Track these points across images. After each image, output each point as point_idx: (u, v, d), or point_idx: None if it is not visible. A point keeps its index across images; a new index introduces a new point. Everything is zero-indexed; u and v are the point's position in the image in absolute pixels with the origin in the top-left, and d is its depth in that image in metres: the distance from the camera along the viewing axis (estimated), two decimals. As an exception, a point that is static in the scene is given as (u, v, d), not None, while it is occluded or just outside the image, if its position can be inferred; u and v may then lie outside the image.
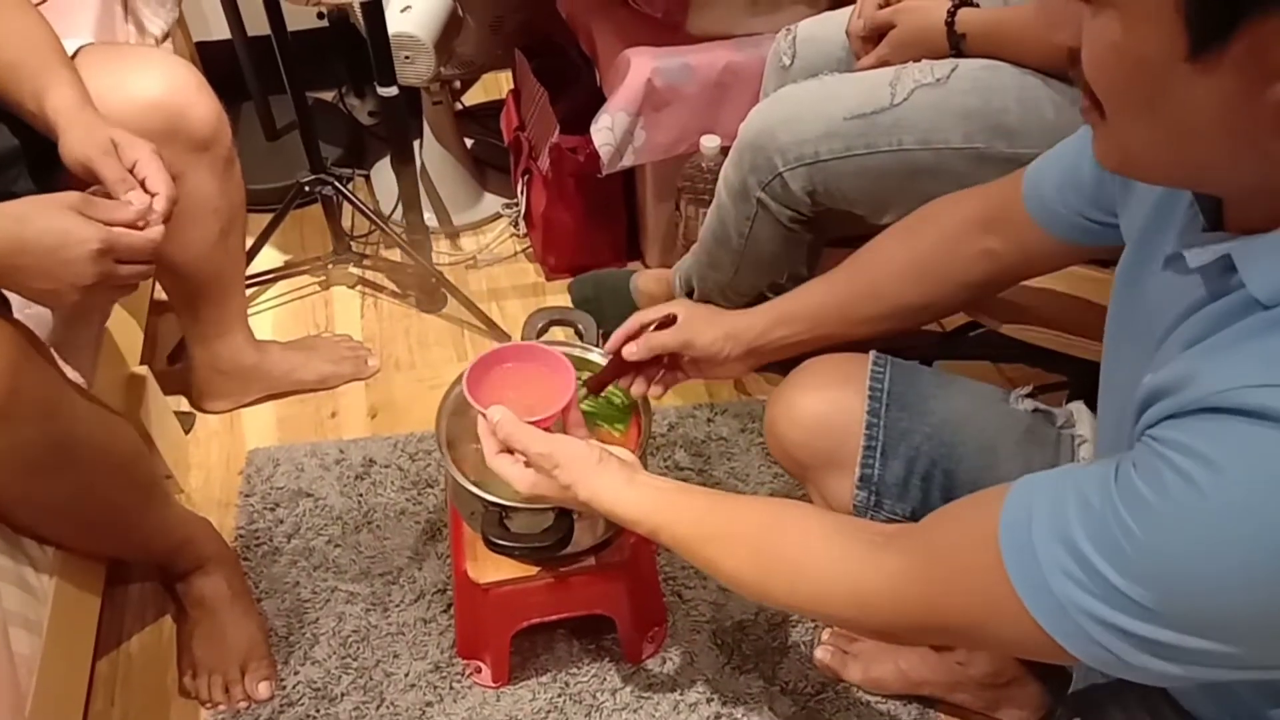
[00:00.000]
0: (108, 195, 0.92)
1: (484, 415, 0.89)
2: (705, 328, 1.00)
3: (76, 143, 0.93)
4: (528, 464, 0.86)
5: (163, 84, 1.16)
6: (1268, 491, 0.48)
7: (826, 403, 0.98)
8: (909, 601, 0.66)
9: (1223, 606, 0.50)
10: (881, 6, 1.17)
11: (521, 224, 1.84)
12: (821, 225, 1.21)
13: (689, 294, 1.40)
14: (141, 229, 0.90)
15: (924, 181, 1.07)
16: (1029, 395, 1.00)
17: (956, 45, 1.09)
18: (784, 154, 1.11)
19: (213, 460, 1.48)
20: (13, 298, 0.94)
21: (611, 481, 0.83)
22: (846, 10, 1.29)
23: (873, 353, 1.00)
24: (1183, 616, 0.51)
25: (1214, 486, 0.49)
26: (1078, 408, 0.98)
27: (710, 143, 1.44)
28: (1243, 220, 0.57)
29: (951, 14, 1.08)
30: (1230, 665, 0.53)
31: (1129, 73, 0.52)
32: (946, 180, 1.05)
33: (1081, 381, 1.18)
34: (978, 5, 1.09)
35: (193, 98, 1.18)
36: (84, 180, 0.94)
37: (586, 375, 1.10)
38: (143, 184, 0.93)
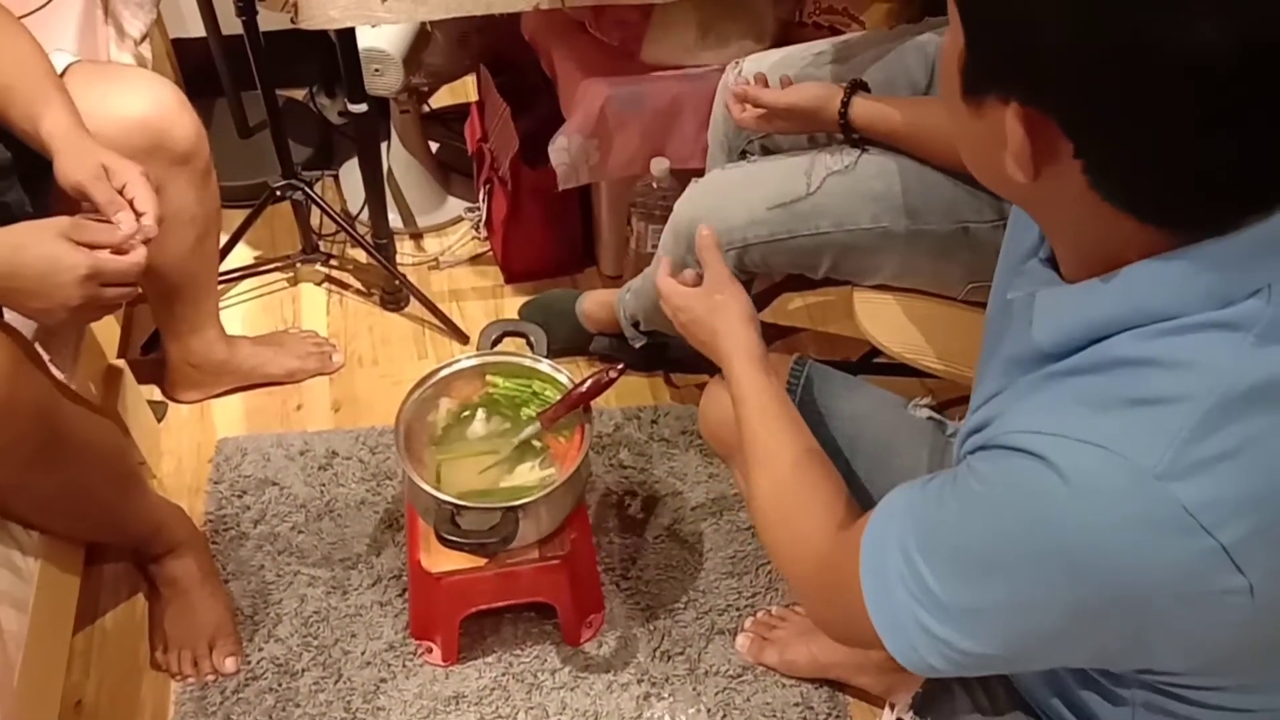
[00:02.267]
0: (99, 215, 1.01)
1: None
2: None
3: (70, 168, 1.01)
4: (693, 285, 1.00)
5: (147, 103, 1.24)
6: (1012, 503, 0.60)
7: None
8: (822, 587, 0.79)
9: (980, 595, 0.62)
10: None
11: (483, 228, 1.94)
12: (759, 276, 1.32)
13: (634, 325, 1.51)
14: (127, 251, 0.99)
15: (840, 256, 1.19)
16: (925, 405, 1.12)
17: (850, 134, 1.18)
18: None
19: (184, 448, 1.57)
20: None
21: (750, 349, 0.93)
22: (791, 47, 1.40)
23: (795, 355, 1.12)
24: (960, 607, 0.63)
25: (984, 494, 0.62)
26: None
27: (660, 165, 1.55)
28: (1065, 268, 0.67)
29: (845, 103, 1.17)
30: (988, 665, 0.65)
31: (944, 78, 0.64)
32: (860, 254, 1.17)
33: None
34: (869, 92, 1.18)
35: (175, 117, 1.26)
36: (76, 199, 1.03)
37: (538, 408, 1.23)
38: (131, 204, 1.01)
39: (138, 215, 1.00)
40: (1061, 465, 0.56)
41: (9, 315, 1.07)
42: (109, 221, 0.99)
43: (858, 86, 1.18)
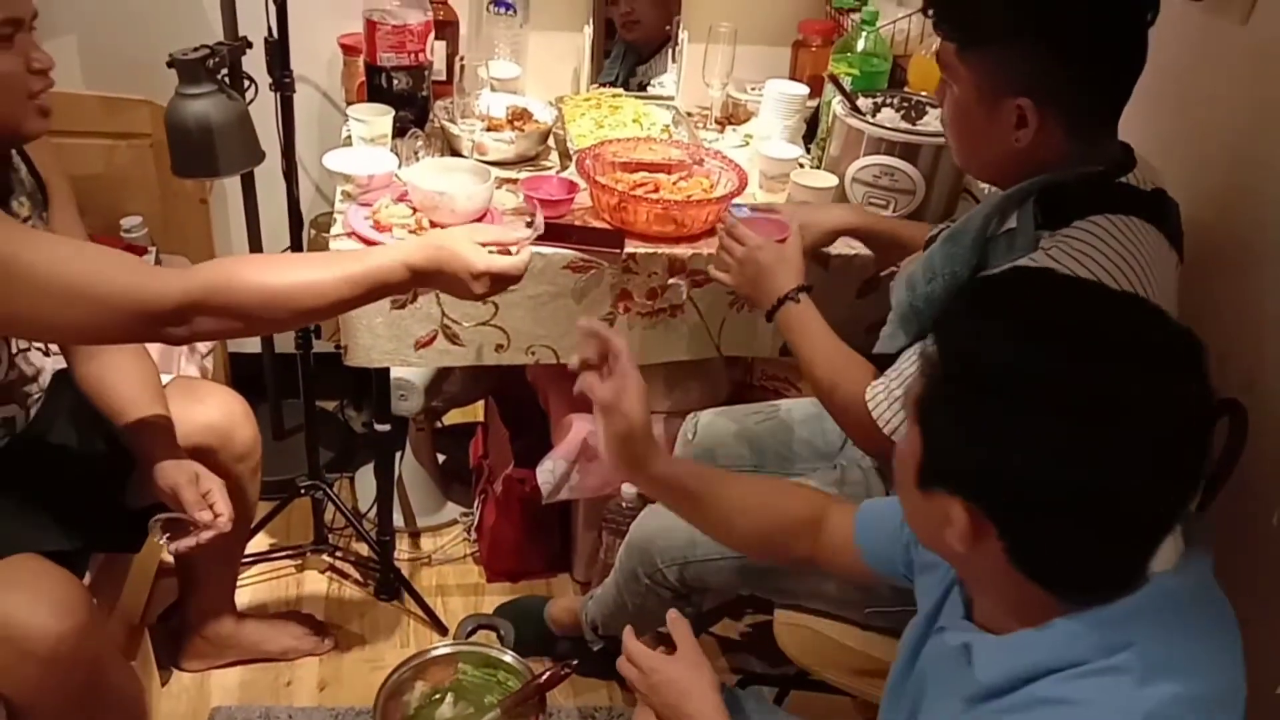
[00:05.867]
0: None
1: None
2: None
3: (169, 472, 1.30)
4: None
5: (220, 413, 1.55)
6: None
7: None
8: None
9: None
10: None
11: (473, 531, 2.19)
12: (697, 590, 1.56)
13: (594, 630, 1.73)
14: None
15: (761, 578, 1.44)
16: None
17: (770, 315, 1.40)
18: (662, 555, 1.49)
19: (181, 712, 1.74)
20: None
21: (719, 707, 1.09)
22: (741, 406, 1.72)
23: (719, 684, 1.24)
24: None
25: None
26: None
27: (629, 489, 1.84)
28: (981, 614, 0.83)
29: (781, 301, 1.37)
30: None
31: (899, 470, 0.82)
32: (775, 577, 1.42)
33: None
34: (800, 303, 1.37)
35: (239, 424, 1.57)
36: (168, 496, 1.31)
37: (500, 696, 1.42)
38: (211, 506, 1.31)
39: (215, 516, 1.30)
40: None
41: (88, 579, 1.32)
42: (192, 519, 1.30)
43: (803, 289, 1.39)
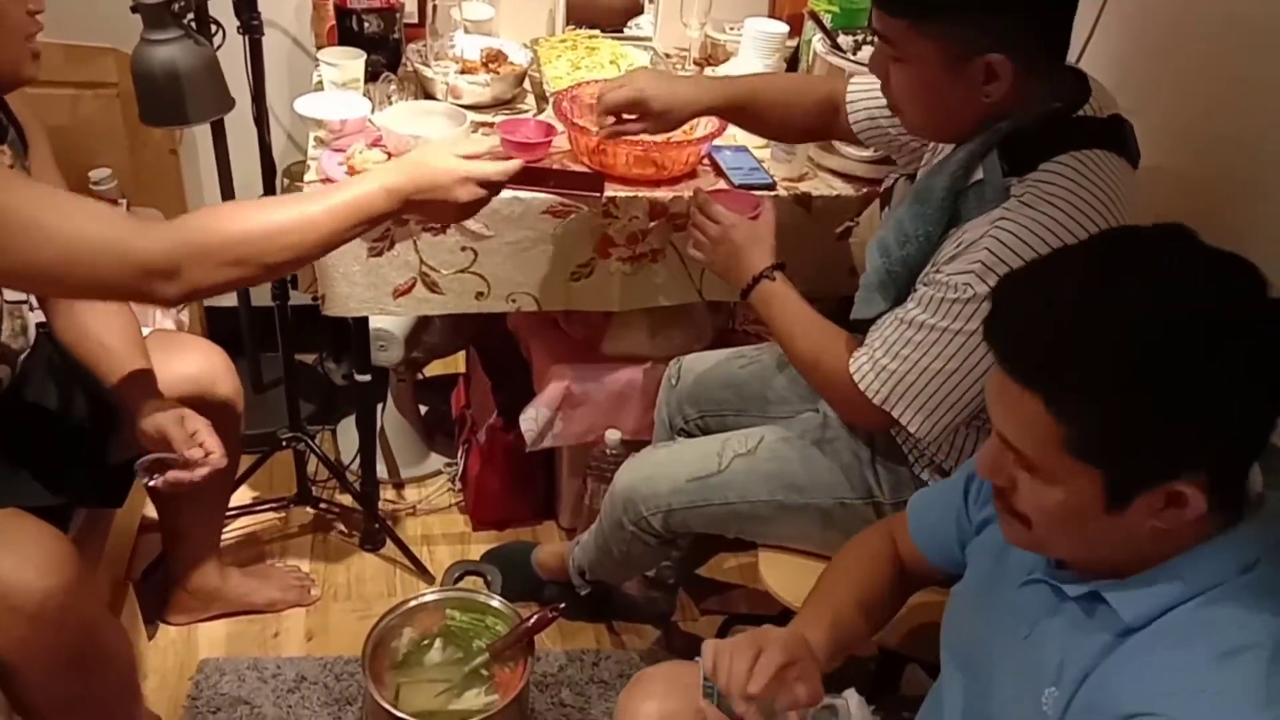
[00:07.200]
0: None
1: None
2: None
3: (156, 416, 1.29)
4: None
5: (200, 364, 1.54)
6: None
7: (659, 712, 1.18)
8: None
9: None
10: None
11: (458, 481, 2.19)
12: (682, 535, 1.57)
13: (581, 574, 1.73)
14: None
15: (745, 522, 1.45)
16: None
17: (745, 293, 1.41)
18: (645, 503, 1.49)
19: (168, 665, 1.74)
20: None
21: None
22: (724, 350, 1.72)
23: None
24: None
25: None
26: (850, 694, 1.26)
27: (613, 435, 1.84)
28: (1087, 561, 0.83)
29: (757, 280, 1.37)
30: None
31: (1061, 519, 0.80)
32: (760, 522, 1.43)
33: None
34: (775, 280, 1.37)
35: (220, 376, 1.56)
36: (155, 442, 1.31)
37: (489, 641, 1.43)
38: (201, 445, 1.30)
39: (206, 454, 1.30)
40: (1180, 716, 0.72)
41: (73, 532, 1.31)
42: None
43: (778, 267, 1.39)
